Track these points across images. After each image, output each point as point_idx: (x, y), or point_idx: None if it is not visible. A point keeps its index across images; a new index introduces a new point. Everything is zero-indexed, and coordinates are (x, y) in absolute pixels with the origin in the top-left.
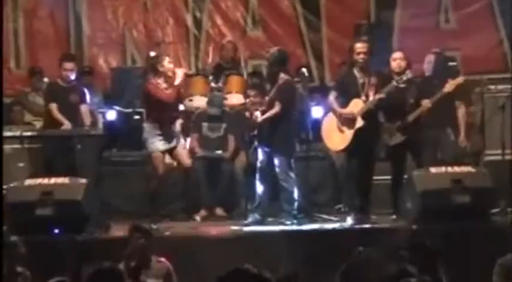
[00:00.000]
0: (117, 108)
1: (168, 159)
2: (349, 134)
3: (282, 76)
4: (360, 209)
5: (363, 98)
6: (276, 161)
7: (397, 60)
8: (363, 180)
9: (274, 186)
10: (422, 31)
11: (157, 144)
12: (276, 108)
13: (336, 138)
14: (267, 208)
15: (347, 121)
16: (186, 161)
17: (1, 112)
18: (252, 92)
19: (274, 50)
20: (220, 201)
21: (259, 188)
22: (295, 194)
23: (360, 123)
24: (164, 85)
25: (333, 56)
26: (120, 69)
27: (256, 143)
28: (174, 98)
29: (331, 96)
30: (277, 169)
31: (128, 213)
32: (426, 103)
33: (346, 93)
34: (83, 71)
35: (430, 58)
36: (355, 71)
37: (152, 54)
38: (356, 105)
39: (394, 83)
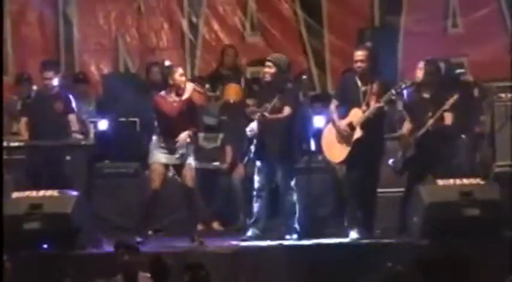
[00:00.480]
0: (110, 117)
1: (172, 174)
2: (348, 145)
3: (289, 85)
4: (364, 223)
5: (364, 107)
6: (278, 172)
7: (423, 69)
8: (365, 193)
9: (273, 199)
10: (429, 36)
11: (159, 156)
12: (287, 111)
13: (335, 149)
14: (266, 222)
15: (346, 132)
16: (190, 183)
17: (1, 115)
18: (251, 101)
19: (279, 55)
20: (217, 215)
21: (258, 201)
22: (297, 207)
23: (358, 133)
24: (174, 98)
25: (336, 63)
26: (112, 76)
27: (251, 154)
28: (178, 112)
29: (332, 105)
30: (279, 181)
31: (121, 228)
32: (430, 121)
33: (347, 102)
34: (77, 78)
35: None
36: (357, 79)
37: (167, 63)
38: (355, 115)
39: (392, 91)
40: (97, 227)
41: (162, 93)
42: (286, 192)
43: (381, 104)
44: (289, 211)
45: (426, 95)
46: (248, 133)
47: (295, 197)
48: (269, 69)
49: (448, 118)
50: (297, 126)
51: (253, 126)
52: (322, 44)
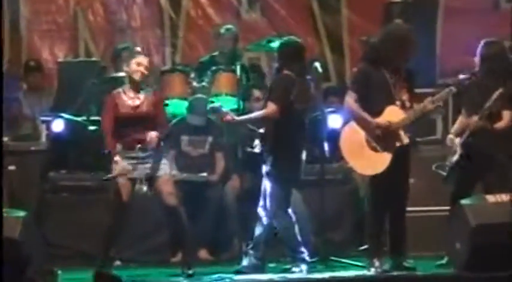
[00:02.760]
0: (66, 115)
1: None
2: (388, 152)
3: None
4: (392, 251)
5: (398, 103)
6: (267, 187)
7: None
8: (396, 211)
9: None
10: (476, 13)
11: (122, 167)
12: (267, 109)
13: (368, 158)
14: (268, 248)
15: (384, 136)
16: (170, 200)
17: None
18: (257, 93)
19: (289, 38)
20: (205, 241)
21: (258, 221)
22: (307, 231)
23: (406, 139)
24: (131, 94)
25: (356, 46)
26: (70, 64)
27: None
28: (137, 113)
29: (351, 99)
30: (267, 198)
31: (81, 256)
32: (474, 121)
33: (372, 96)
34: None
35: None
36: (382, 67)
37: (121, 46)
38: (394, 114)
39: (452, 88)
40: (51, 256)
41: (119, 89)
42: (274, 217)
43: (439, 103)
44: (285, 238)
45: (489, 84)
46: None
47: (290, 224)
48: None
49: (507, 116)
50: (300, 126)
51: (257, 141)
52: (339, 23)
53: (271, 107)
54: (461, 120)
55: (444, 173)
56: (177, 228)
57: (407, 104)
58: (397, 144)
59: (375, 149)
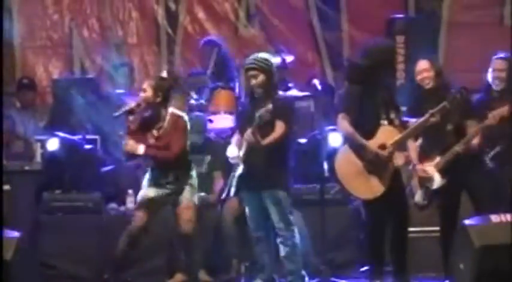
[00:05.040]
0: (61, 134)
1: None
2: (385, 174)
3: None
4: (396, 272)
5: (386, 122)
6: (268, 206)
7: (423, 72)
8: (397, 232)
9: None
10: (480, 28)
11: (144, 189)
12: (280, 129)
13: (366, 183)
14: (276, 269)
15: (379, 159)
16: (187, 227)
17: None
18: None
19: (263, 56)
20: (203, 262)
21: (258, 244)
22: (301, 248)
23: (400, 160)
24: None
25: None
26: (65, 81)
27: (233, 185)
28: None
29: (345, 122)
30: (272, 216)
31: (78, 279)
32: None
33: (363, 117)
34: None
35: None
36: (371, 87)
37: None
38: (388, 135)
39: (446, 104)
40: (44, 278)
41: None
42: (284, 230)
43: (438, 119)
44: (293, 254)
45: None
46: (230, 160)
47: (296, 235)
48: (255, 80)
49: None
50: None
51: (233, 150)
52: (340, 38)
53: (283, 127)
54: (414, 147)
55: (419, 200)
56: (186, 255)
57: (396, 121)
58: (393, 164)
59: (372, 173)
